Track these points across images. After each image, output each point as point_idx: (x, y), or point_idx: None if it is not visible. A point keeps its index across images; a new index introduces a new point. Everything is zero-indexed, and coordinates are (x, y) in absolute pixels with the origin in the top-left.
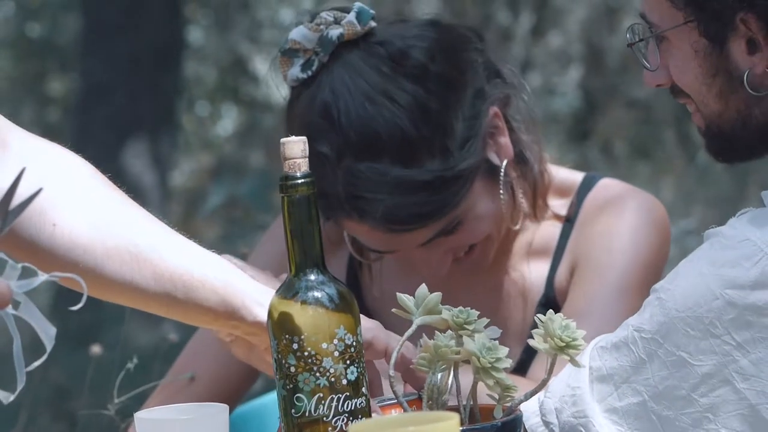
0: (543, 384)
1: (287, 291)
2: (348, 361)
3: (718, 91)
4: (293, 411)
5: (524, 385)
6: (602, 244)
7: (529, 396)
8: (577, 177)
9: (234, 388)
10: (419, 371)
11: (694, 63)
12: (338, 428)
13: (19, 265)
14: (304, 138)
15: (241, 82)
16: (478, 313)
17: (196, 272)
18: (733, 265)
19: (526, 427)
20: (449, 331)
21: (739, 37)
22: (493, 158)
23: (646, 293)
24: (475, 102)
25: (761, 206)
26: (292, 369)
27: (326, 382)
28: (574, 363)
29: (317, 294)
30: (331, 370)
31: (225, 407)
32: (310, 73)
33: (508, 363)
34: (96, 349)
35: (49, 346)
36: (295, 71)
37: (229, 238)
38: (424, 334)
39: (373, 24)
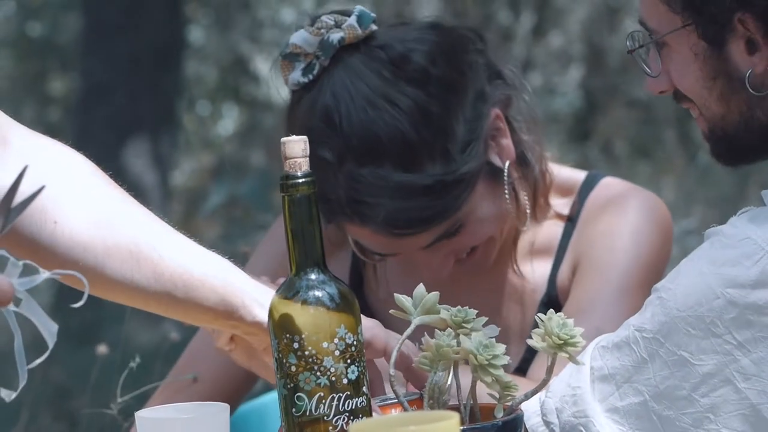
0: (544, 383)
1: (288, 290)
2: (349, 361)
3: (719, 94)
4: (294, 410)
5: (525, 384)
6: (604, 243)
7: (529, 395)
8: (579, 176)
9: (235, 389)
10: (420, 370)
11: (694, 66)
12: (339, 427)
13: (21, 263)
14: (305, 137)
15: (241, 82)
16: (477, 311)
17: (196, 271)
18: (733, 264)
19: (527, 426)
20: (450, 330)
21: (737, 38)
22: (495, 160)
23: (648, 292)
24: (477, 104)
25: (762, 205)
26: (293, 368)
27: (327, 382)
28: (573, 360)
29: (318, 293)
30: (332, 370)
31: (226, 406)
32: (311, 77)
33: (506, 360)
34: (102, 348)
35: (51, 343)
36: (296, 75)
37: (230, 238)
38: (425, 333)
39: (374, 27)
